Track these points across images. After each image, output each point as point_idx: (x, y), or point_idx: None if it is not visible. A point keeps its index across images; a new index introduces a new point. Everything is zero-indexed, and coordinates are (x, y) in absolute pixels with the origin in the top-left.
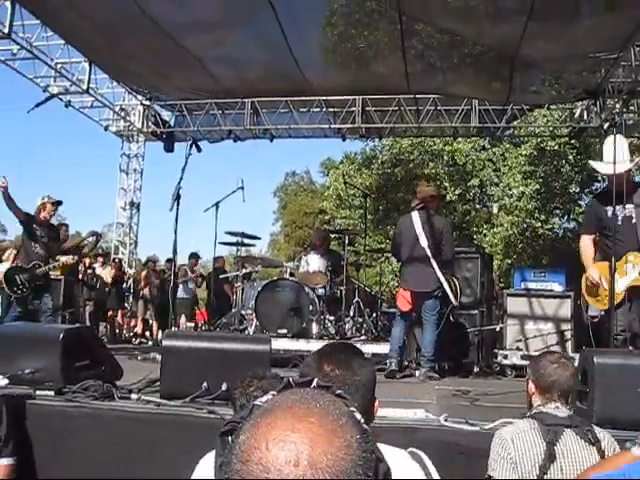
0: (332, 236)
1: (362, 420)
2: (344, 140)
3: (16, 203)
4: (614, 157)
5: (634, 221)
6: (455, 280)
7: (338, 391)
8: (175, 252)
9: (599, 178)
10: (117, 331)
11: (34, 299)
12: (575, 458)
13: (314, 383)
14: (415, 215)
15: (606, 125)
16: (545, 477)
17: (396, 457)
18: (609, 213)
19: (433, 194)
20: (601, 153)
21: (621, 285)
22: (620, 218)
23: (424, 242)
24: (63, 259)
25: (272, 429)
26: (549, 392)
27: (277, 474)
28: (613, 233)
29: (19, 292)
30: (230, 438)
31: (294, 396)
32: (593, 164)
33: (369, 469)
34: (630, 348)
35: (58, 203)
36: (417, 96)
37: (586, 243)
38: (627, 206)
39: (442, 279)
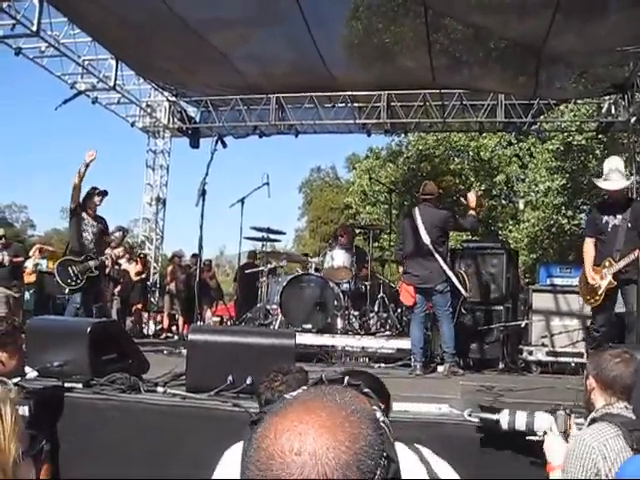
0: (357, 231)
1: (382, 419)
2: (369, 135)
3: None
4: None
5: (619, 229)
6: (462, 272)
7: (365, 389)
8: (201, 247)
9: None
10: (143, 326)
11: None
12: None
13: (346, 381)
14: (416, 211)
15: (633, 119)
16: None
17: None
18: (603, 220)
19: (436, 191)
20: (601, 171)
21: (602, 287)
22: (610, 226)
23: (426, 238)
24: (116, 251)
25: (283, 419)
26: (611, 388)
27: (280, 461)
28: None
29: (72, 284)
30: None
31: (316, 391)
32: (596, 182)
33: (375, 467)
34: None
35: (103, 194)
36: (442, 91)
37: (587, 245)
38: (617, 216)
39: (449, 273)
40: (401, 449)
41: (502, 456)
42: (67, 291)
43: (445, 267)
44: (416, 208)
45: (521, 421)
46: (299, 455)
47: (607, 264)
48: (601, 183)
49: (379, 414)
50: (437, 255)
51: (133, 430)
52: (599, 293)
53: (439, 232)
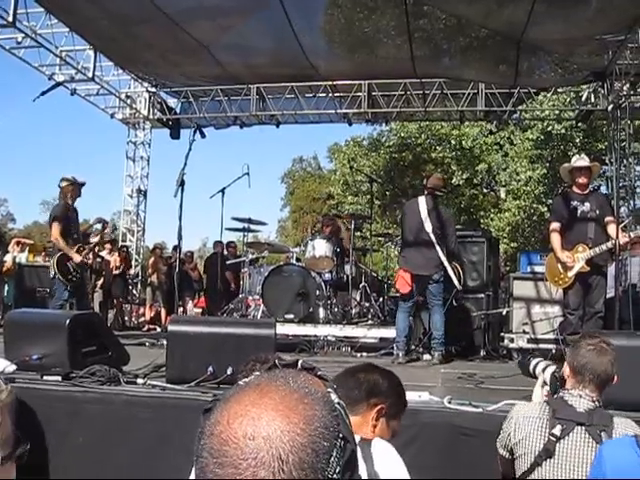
0: (340, 222)
1: (337, 401)
2: (350, 125)
3: None
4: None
5: (588, 216)
6: (458, 266)
7: (320, 372)
8: (180, 238)
9: (607, 161)
10: (126, 318)
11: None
12: (577, 459)
13: (299, 364)
14: (422, 200)
15: (610, 107)
16: (537, 469)
17: None
18: (571, 206)
19: (442, 186)
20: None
21: (573, 271)
22: (579, 212)
23: (429, 227)
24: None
25: (236, 404)
26: (580, 375)
27: (234, 447)
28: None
29: (73, 279)
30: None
31: (269, 375)
32: (563, 167)
33: (331, 448)
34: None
35: (80, 185)
36: (423, 80)
37: (554, 229)
38: (585, 204)
39: (446, 263)
40: None
41: (480, 441)
42: (69, 287)
43: (443, 257)
44: (422, 197)
45: (539, 370)
46: (253, 440)
47: (580, 249)
48: (572, 162)
49: (334, 396)
50: (437, 245)
51: (113, 422)
52: (569, 275)
53: (442, 226)
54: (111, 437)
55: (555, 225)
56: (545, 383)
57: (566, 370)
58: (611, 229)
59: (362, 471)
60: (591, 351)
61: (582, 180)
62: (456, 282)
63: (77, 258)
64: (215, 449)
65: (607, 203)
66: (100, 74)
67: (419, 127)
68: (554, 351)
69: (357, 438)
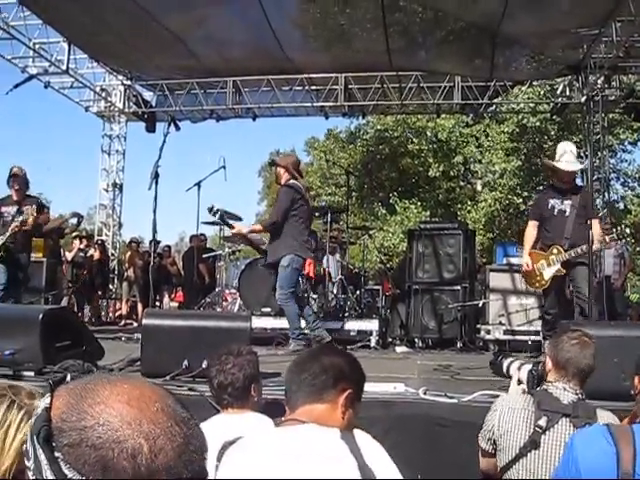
0: (316, 214)
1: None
2: (327, 118)
3: None
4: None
5: (567, 215)
6: None
7: None
8: (155, 231)
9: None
10: (102, 313)
11: None
12: (562, 450)
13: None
14: (300, 185)
15: (583, 99)
16: (521, 460)
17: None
18: (549, 205)
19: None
20: (553, 154)
21: (548, 274)
22: (556, 211)
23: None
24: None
25: (112, 401)
26: (564, 369)
27: (99, 431)
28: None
29: None
30: (55, 438)
31: (110, 377)
32: (548, 162)
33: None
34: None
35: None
36: (400, 73)
37: (529, 228)
38: (565, 202)
39: None
40: (333, 436)
41: (456, 432)
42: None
43: None
44: (296, 182)
45: (514, 368)
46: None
47: (555, 251)
48: (556, 163)
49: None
50: None
51: None
52: (545, 278)
53: None
54: None
55: (530, 224)
56: (520, 381)
57: (548, 364)
58: (594, 230)
59: (351, 465)
60: (575, 345)
61: (564, 181)
62: None
63: None
64: (90, 437)
65: (592, 201)
66: (74, 67)
67: (395, 120)
68: (530, 342)
69: (329, 429)
